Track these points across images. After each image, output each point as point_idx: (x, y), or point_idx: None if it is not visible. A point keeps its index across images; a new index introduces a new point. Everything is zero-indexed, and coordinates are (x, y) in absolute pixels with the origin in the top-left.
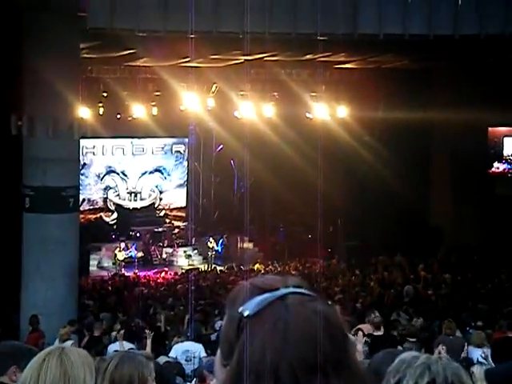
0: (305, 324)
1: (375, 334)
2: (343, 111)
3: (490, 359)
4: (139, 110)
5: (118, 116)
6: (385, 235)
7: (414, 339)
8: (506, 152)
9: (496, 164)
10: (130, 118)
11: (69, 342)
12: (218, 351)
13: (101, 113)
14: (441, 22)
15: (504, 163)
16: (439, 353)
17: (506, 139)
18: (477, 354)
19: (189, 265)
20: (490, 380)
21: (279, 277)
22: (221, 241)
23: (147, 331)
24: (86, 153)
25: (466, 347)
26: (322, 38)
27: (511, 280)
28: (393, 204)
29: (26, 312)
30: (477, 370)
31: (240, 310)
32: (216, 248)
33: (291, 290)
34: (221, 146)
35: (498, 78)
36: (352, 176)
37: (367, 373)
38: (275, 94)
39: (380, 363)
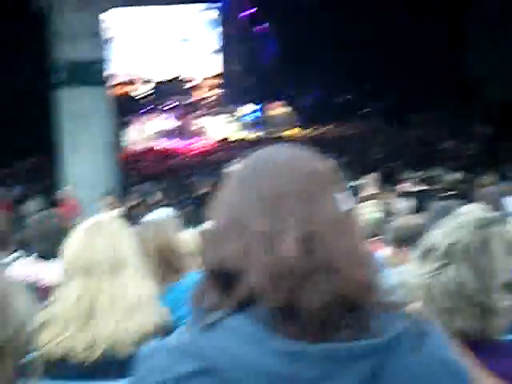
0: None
1: (417, 188)
2: None
3: None
4: None
5: None
6: (423, 91)
7: (454, 192)
8: None
9: None
10: None
11: (115, 211)
12: None
13: None
14: None
15: None
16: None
17: None
18: None
19: (225, 133)
20: None
21: None
22: (258, 107)
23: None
24: (114, 25)
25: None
26: None
27: None
28: (432, 58)
29: (65, 185)
30: None
31: None
32: (253, 114)
33: None
34: (254, 9)
35: None
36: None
37: None
38: None
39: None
